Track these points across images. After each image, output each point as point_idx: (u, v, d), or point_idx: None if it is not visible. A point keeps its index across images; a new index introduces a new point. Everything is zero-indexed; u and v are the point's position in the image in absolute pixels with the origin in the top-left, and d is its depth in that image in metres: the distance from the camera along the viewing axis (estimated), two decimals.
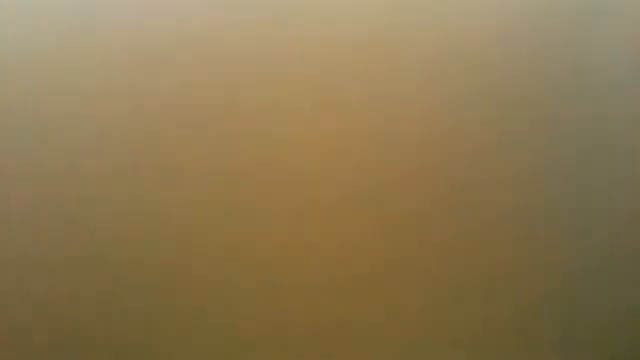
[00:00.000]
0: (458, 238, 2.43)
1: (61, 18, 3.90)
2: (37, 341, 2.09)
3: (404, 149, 2.86)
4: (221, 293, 2.24)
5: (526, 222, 2.50)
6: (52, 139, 2.95)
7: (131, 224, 2.51)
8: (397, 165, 2.78)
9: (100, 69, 3.44)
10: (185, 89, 3.28)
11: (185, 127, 3.02)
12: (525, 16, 3.87)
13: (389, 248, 2.40)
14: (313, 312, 2.18)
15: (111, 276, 2.30)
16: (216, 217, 2.54)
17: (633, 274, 2.28)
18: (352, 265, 2.34)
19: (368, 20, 3.89)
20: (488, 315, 2.16)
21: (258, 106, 3.16)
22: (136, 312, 2.18)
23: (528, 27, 3.77)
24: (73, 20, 3.88)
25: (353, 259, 2.36)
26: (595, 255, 2.36)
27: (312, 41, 3.67)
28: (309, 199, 2.62)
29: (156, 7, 4.01)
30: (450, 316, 2.16)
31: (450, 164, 2.78)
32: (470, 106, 3.13)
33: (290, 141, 2.92)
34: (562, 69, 3.39)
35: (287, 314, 2.17)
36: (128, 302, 2.21)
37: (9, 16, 3.91)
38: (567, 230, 2.46)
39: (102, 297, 2.23)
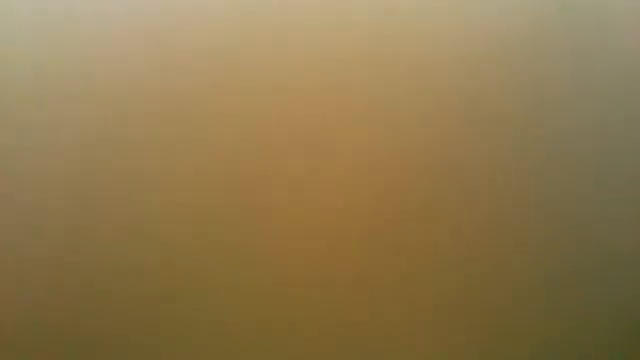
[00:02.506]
0: (459, 240, 2.44)
1: (56, 9, 3.90)
2: (36, 342, 2.09)
3: (405, 152, 2.87)
4: (221, 294, 2.24)
5: (527, 225, 2.50)
6: (49, 140, 2.95)
7: (130, 225, 2.51)
8: (398, 168, 2.78)
9: (98, 74, 3.44)
10: (182, 89, 3.29)
11: (183, 128, 3.02)
12: (526, 24, 3.88)
13: (390, 251, 2.40)
14: (313, 312, 2.18)
15: (110, 277, 2.31)
16: (216, 219, 2.54)
17: (631, 275, 2.29)
18: (352, 268, 2.34)
19: (369, 26, 3.89)
20: (489, 316, 2.16)
21: (258, 109, 3.16)
22: (135, 312, 2.18)
23: (529, 35, 3.78)
24: (67, 13, 3.88)
25: (354, 262, 2.36)
26: (594, 257, 2.37)
27: (314, 43, 3.67)
28: (310, 202, 2.62)
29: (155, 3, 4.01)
30: (451, 317, 2.16)
31: (451, 168, 2.78)
32: (471, 113, 3.13)
33: (290, 143, 2.92)
34: (563, 76, 3.39)
35: (287, 315, 2.18)
36: (126, 302, 2.21)
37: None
38: (566, 232, 2.47)
39: (100, 297, 2.23)
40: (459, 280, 2.28)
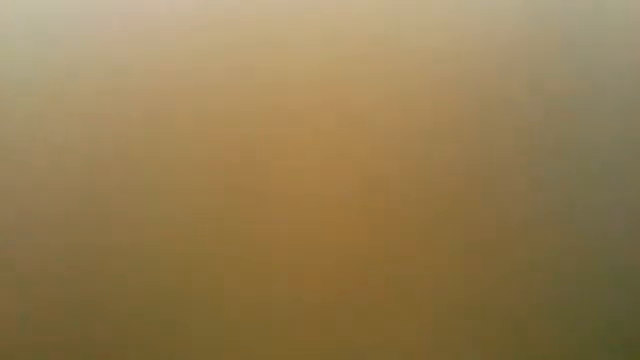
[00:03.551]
0: (459, 242, 2.44)
1: (60, 17, 3.90)
2: (35, 350, 2.09)
3: (406, 154, 2.87)
4: (220, 299, 2.25)
5: (527, 226, 2.50)
6: (52, 140, 2.95)
7: (131, 229, 2.51)
8: (399, 170, 2.78)
9: (101, 75, 3.45)
10: (182, 92, 3.29)
11: (185, 129, 3.02)
12: (525, 35, 3.88)
13: (390, 252, 2.41)
14: (314, 313, 2.18)
15: (110, 279, 2.31)
16: (217, 221, 2.55)
17: (633, 280, 2.29)
18: (352, 268, 2.34)
19: (368, 26, 3.89)
20: (489, 318, 2.16)
21: (259, 109, 3.16)
22: (136, 316, 2.18)
23: (530, 36, 3.78)
24: (74, 19, 3.88)
25: (354, 263, 2.37)
26: (595, 263, 2.37)
27: (315, 44, 3.68)
28: (310, 203, 2.62)
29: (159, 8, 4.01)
30: (450, 320, 2.16)
31: (451, 174, 2.78)
32: (470, 121, 3.14)
33: (291, 144, 2.93)
34: (564, 87, 3.40)
35: (287, 316, 2.18)
36: (127, 306, 2.21)
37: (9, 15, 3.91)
38: (567, 238, 2.47)
39: (100, 302, 2.23)
40: (460, 283, 2.28)
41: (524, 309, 2.18)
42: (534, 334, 2.10)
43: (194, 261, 2.37)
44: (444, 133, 2.98)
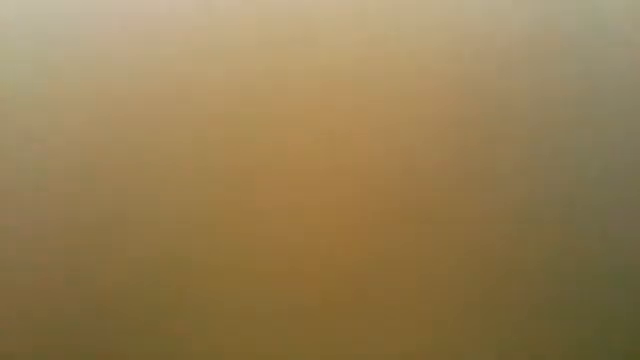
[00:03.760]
0: (459, 242, 2.43)
1: (58, 17, 3.90)
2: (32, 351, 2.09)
3: (406, 154, 2.87)
4: (220, 297, 2.24)
5: (527, 226, 2.50)
6: (50, 142, 2.95)
7: (130, 226, 2.51)
8: (399, 170, 2.78)
9: (100, 76, 3.44)
10: (182, 92, 3.28)
11: (184, 130, 3.02)
12: (525, 45, 3.87)
13: (389, 250, 2.40)
14: (312, 318, 2.18)
15: (109, 276, 2.30)
16: (215, 218, 2.54)
17: (633, 279, 2.29)
18: (351, 267, 2.34)
19: (366, 28, 3.89)
20: (489, 318, 2.16)
21: (258, 109, 3.16)
22: (135, 313, 2.18)
23: (529, 54, 3.77)
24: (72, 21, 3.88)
25: (352, 261, 2.36)
26: (595, 263, 2.36)
27: (315, 44, 3.67)
28: (308, 200, 2.62)
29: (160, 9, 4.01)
30: (450, 320, 2.16)
31: (451, 174, 2.78)
32: (470, 121, 3.13)
33: (290, 145, 2.92)
34: (564, 87, 3.39)
35: (288, 321, 2.17)
36: (127, 303, 2.21)
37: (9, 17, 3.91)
38: (567, 238, 2.46)
39: (99, 302, 2.23)
40: (460, 283, 2.28)
41: (524, 309, 2.18)
42: (534, 334, 2.10)
43: (193, 262, 2.37)
44: (444, 133, 2.97)
